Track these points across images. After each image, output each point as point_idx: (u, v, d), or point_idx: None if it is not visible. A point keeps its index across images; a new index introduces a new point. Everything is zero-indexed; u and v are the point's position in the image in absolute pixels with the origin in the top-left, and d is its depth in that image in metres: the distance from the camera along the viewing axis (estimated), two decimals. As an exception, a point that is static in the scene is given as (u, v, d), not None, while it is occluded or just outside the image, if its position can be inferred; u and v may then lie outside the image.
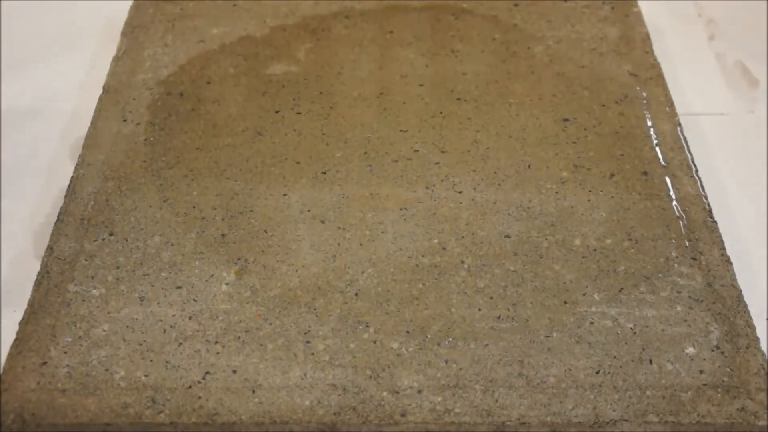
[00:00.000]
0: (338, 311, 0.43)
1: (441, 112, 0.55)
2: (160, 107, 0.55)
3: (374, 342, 0.42)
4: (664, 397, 0.40)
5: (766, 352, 0.42)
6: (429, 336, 0.42)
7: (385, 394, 0.40)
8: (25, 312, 0.43)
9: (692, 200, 0.49)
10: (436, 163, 0.51)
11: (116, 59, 0.59)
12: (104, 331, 0.43)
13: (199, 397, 0.40)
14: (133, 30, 0.61)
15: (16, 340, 0.42)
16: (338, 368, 0.41)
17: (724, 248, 0.46)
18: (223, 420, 0.39)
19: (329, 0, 0.64)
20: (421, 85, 0.57)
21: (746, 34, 0.66)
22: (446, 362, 0.41)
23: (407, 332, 0.43)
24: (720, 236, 0.47)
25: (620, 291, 0.44)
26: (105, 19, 0.65)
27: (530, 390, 0.40)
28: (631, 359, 0.41)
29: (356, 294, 0.44)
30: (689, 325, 0.43)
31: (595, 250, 0.46)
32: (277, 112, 0.55)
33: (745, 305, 0.44)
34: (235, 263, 0.46)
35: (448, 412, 0.40)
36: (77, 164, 0.51)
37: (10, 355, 0.42)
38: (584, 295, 0.44)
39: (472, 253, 0.46)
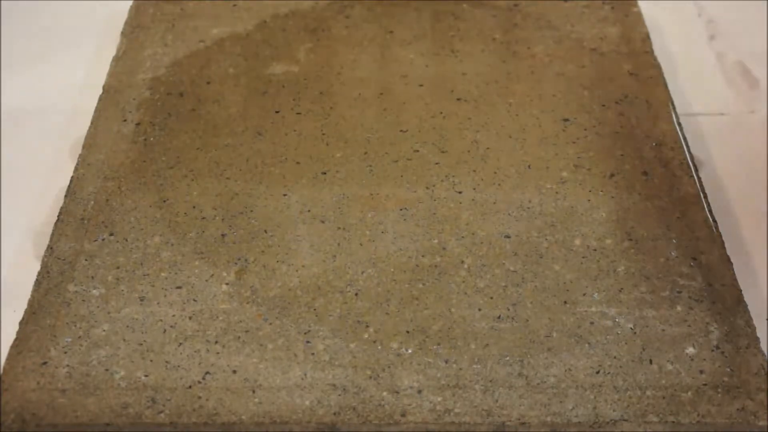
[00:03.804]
0: (338, 311, 0.43)
1: (441, 112, 0.55)
2: (160, 107, 0.55)
3: (374, 342, 0.42)
4: (664, 397, 0.40)
5: (766, 352, 0.42)
6: (429, 336, 0.42)
7: (385, 394, 0.40)
8: (25, 312, 0.43)
9: (692, 200, 0.49)
10: (436, 163, 0.51)
11: (116, 59, 0.59)
12: (104, 331, 0.43)
13: (199, 397, 0.40)
14: (133, 30, 0.61)
15: (16, 340, 0.42)
16: (338, 368, 0.41)
17: (724, 248, 0.46)
18: (223, 420, 0.39)
19: (329, 0, 0.64)
20: (421, 85, 0.57)
21: (746, 34, 0.66)
22: (446, 362, 0.41)
23: (407, 332, 0.43)
24: (720, 236, 0.47)
25: (620, 291, 0.44)
26: (105, 19, 0.65)
27: (530, 390, 0.40)
28: (631, 359, 0.41)
29: (356, 294, 0.44)
30: (689, 325, 0.43)
31: (595, 250, 0.46)
32: (277, 112, 0.55)
33: (745, 305, 0.44)
34: (235, 263, 0.46)
35: (448, 412, 0.40)
36: (77, 164, 0.51)
37: (10, 355, 0.42)
38: (584, 295, 0.44)
39: (472, 253, 0.46)
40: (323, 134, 0.53)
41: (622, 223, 0.48)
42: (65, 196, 0.49)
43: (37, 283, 0.45)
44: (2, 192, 0.53)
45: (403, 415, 0.39)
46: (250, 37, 0.61)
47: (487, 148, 0.52)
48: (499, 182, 0.50)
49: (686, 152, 0.52)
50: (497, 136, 0.53)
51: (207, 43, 0.60)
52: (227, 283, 0.45)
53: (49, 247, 0.46)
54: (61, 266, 0.45)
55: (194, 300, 0.44)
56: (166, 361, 0.41)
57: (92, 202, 0.49)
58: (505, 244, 0.47)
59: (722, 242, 0.47)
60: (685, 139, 0.53)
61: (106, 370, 0.41)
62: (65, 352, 0.42)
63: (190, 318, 0.43)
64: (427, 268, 0.45)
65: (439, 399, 0.40)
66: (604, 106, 0.55)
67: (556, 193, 0.49)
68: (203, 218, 0.48)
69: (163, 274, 0.45)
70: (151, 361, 0.41)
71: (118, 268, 0.45)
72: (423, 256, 0.46)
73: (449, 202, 0.49)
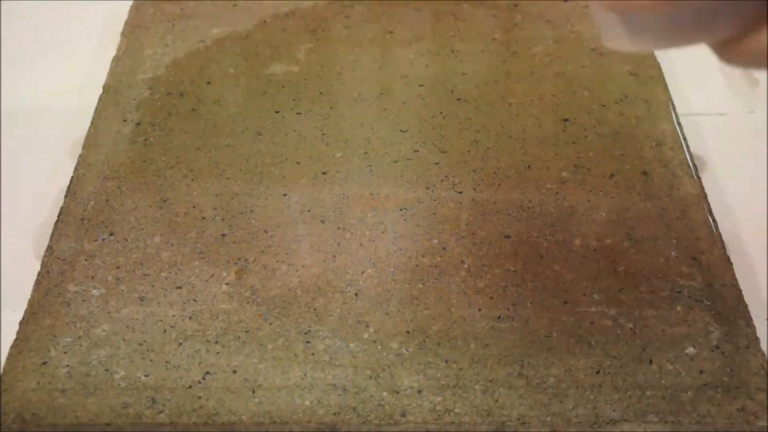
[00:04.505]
0: (338, 311, 0.43)
1: (441, 112, 0.55)
2: (160, 107, 0.55)
3: (374, 342, 0.42)
4: (664, 397, 0.40)
5: (766, 352, 0.42)
6: (429, 336, 0.42)
7: (385, 394, 0.40)
8: (25, 312, 0.43)
9: (692, 200, 0.49)
10: (436, 163, 0.51)
11: (116, 59, 0.59)
12: (104, 331, 0.43)
13: (199, 397, 0.40)
14: (133, 30, 0.61)
15: (16, 340, 0.42)
16: (338, 368, 0.41)
17: (724, 248, 0.46)
18: (223, 420, 0.39)
19: (329, 0, 0.64)
20: (421, 85, 0.57)
21: (746, 34, 0.66)
22: (446, 362, 0.41)
23: (407, 332, 0.43)
24: (720, 236, 0.47)
25: (620, 291, 0.44)
26: (105, 19, 0.65)
27: (530, 390, 0.40)
28: (631, 359, 0.41)
29: (356, 294, 0.44)
30: (689, 325, 0.43)
31: (595, 250, 0.46)
32: (277, 112, 0.55)
33: (745, 305, 0.44)
34: (235, 263, 0.46)
35: (448, 412, 0.40)
36: (77, 164, 0.51)
37: (10, 355, 0.42)
38: (584, 295, 0.44)
39: (472, 253, 0.46)
40: (323, 134, 0.53)
41: (622, 223, 0.48)
42: (65, 196, 0.49)
43: (37, 283, 0.45)
44: (2, 192, 0.53)
45: (403, 415, 0.39)
46: (250, 37, 0.61)
47: (487, 148, 0.52)
48: (499, 182, 0.50)
49: (686, 152, 0.52)
50: (497, 136, 0.53)
51: (207, 43, 0.60)
52: (227, 283, 0.45)
53: (49, 247, 0.46)
54: (61, 266, 0.45)
55: (194, 300, 0.44)
56: (166, 361, 0.41)
57: (92, 202, 0.49)
58: (505, 244, 0.47)
59: (722, 242, 0.47)
60: (685, 139, 0.53)
61: (106, 370, 0.41)
62: (65, 352, 0.42)
63: (190, 318, 0.43)
64: (427, 268, 0.45)
65: (439, 399, 0.40)
66: (604, 106, 0.55)
67: (556, 193, 0.49)
68: (203, 218, 0.48)
69: (163, 274, 0.45)
70: (151, 361, 0.41)
71: (118, 268, 0.45)
72: (423, 256, 0.46)
73: (449, 202, 0.49)
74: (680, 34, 0.29)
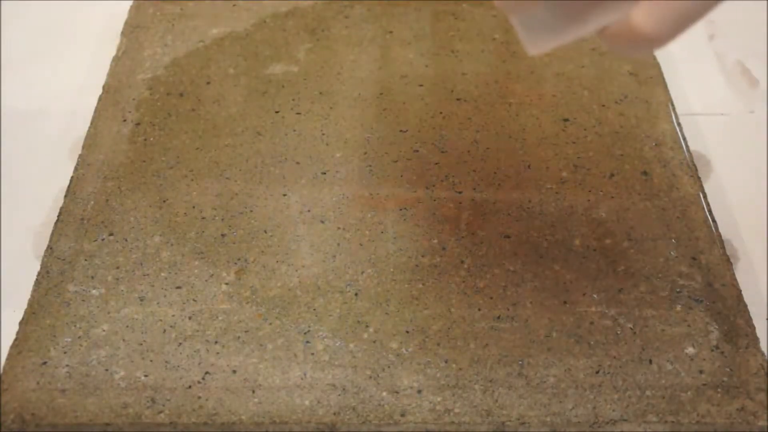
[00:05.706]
0: (338, 311, 0.43)
1: (441, 112, 0.55)
2: (160, 107, 0.55)
3: (374, 342, 0.42)
4: (663, 397, 0.40)
5: (766, 352, 0.42)
6: (429, 336, 0.42)
7: (384, 394, 0.40)
8: (25, 312, 0.43)
9: (692, 200, 0.49)
10: (436, 163, 0.51)
11: (116, 59, 0.59)
12: (104, 331, 0.43)
13: (199, 397, 0.40)
14: (133, 30, 0.61)
15: (16, 340, 0.42)
16: (338, 368, 0.41)
17: (724, 248, 0.46)
18: (222, 420, 0.39)
19: (329, 0, 0.64)
20: (421, 85, 0.57)
21: (746, 34, 0.66)
22: (446, 362, 0.41)
23: (407, 332, 0.43)
24: (720, 236, 0.47)
25: (620, 291, 0.44)
26: (105, 19, 0.65)
27: (530, 390, 0.40)
28: (631, 359, 0.41)
29: (356, 294, 0.44)
30: (689, 325, 0.43)
31: (594, 250, 0.46)
32: (277, 112, 0.55)
33: (745, 305, 0.44)
34: (235, 263, 0.46)
35: (447, 412, 0.40)
36: (77, 164, 0.51)
37: (10, 355, 0.42)
38: (584, 295, 0.44)
39: (471, 253, 0.46)
40: (323, 134, 0.53)
41: (622, 223, 0.48)
42: (65, 196, 0.49)
43: (37, 283, 0.45)
44: (2, 192, 0.53)
45: (402, 415, 0.39)
46: (249, 37, 0.61)
47: (487, 148, 0.52)
48: (499, 182, 0.50)
49: (686, 152, 0.52)
50: (497, 136, 0.53)
51: (207, 43, 0.60)
52: (227, 283, 0.45)
53: (49, 247, 0.46)
54: (60, 266, 0.45)
55: (194, 300, 0.44)
56: (166, 361, 0.41)
57: (92, 202, 0.49)
58: (505, 244, 0.47)
59: (722, 242, 0.47)
60: (685, 139, 0.53)
61: (106, 370, 0.41)
62: (65, 352, 0.42)
63: (189, 318, 0.43)
64: (426, 268, 0.45)
65: (439, 399, 0.40)
66: (604, 106, 0.55)
67: (556, 193, 0.49)
68: (203, 218, 0.48)
69: (162, 274, 0.45)
70: (151, 361, 0.41)
71: (117, 268, 0.45)
72: (423, 256, 0.46)
73: (449, 202, 0.49)
74: (564, 27, 0.31)
